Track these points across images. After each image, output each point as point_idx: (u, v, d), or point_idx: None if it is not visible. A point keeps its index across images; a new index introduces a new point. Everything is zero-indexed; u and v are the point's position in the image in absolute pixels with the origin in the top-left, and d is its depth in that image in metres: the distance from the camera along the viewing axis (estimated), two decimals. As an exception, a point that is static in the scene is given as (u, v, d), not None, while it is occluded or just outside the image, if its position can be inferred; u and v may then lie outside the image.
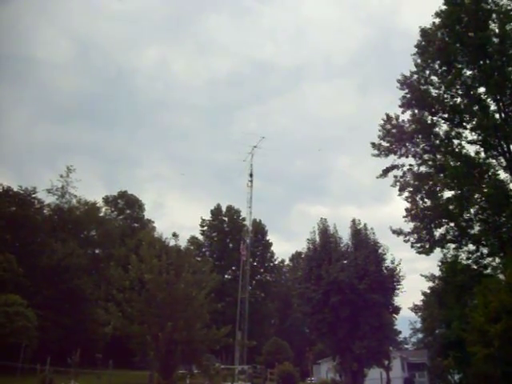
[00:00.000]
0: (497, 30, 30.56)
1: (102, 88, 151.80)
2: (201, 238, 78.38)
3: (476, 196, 30.82)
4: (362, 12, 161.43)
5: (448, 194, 32.25)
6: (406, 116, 33.35)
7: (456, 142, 32.27)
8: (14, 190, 52.36)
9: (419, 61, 32.74)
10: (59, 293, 47.09)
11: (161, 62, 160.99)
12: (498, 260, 31.09)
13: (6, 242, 47.45)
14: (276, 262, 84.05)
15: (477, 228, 31.54)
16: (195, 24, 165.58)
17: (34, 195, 54.04)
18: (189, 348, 21.45)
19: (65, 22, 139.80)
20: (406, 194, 33.21)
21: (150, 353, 21.44)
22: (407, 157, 33.38)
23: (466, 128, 31.95)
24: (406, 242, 32.50)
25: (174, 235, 32.46)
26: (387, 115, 33.59)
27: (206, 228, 78.28)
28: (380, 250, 27.13)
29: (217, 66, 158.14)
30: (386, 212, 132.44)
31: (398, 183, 33.43)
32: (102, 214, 70.60)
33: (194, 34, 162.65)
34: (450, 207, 31.52)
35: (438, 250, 32.42)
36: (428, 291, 53.96)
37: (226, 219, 78.47)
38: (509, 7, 30.11)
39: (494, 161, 31.14)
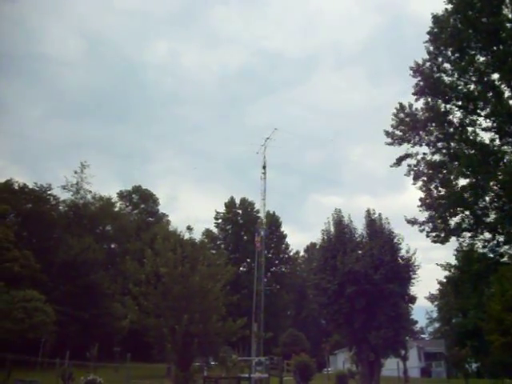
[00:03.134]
0: (510, 15, 30.18)
1: (114, 83, 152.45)
2: (215, 230, 78.80)
3: (491, 184, 30.56)
4: None
5: (463, 182, 32.02)
6: (419, 104, 33.10)
7: (470, 129, 32.00)
8: (29, 187, 53.12)
9: (431, 48, 32.41)
10: (76, 288, 47.63)
11: (171, 56, 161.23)
12: (514, 248, 30.90)
13: (22, 239, 48.11)
14: (291, 254, 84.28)
15: (492, 216, 31.30)
16: (203, 16, 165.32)
17: (49, 192, 54.81)
18: (205, 340, 21.54)
19: (74, 18, 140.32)
20: (421, 182, 33.04)
21: (166, 345, 21.56)
22: (421, 145, 33.15)
23: (480, 115, 31.65)
24: (421, 231, 32.38)
25: (189, 228, 32.64)
26: (400, 104, 33.39)
27: (220, 221, 78.64)
28: (395, 240, 26.97)
29: (227, 58, 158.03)
30: (400, 201, 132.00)
31: (411, 172, 33.24)
32: (116, 209, 71.26)
33: (203, 27, 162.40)
34: (465, 195, 31.29)
35: (453, 238, 32.25)
36: (444, 280, 53.71)
37: (240, 211, 78.68)
38: (522, -8, 29.74)
39: (509, 148, 30.86)
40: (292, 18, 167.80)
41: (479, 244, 31.94)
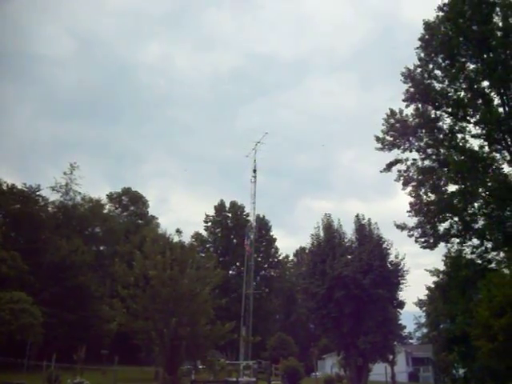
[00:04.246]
0: (500, 24, 30.41)
1: (105, 84, 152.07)
2: (205, 233, 78.67)
3: (480, 190, 30.76)
4: (364, 4, 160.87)
5: (452, 188, 32.21)
6: (410, 110, 33.30)
7: (460, 136, 32.17)
8: (18, 187, 52.70)
9: (422, 54, 32.62)
10: (64, 290, 47.34)
11: (163, 57, 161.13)
12: (502, 254, 31.06)
13: (10, 240, 47.72)
14: (280, 258, 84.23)
15: (481, 222, 31.48)
16: (196, 18, 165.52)
17: (38, 193, 54.40)
18: (193, 343, 21.49)
19: (66, 18, 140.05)
20: (410, 188, 33.19)
21: (155, 348, 21.51)
22: (411, 151, 33.33)
23: (469, 122, 31.86)
24: (410, 236, 32.50)
25: (178, 231, 32.57)
26: (391, 110, 33.52)
27: (209, 224, 78.53)
28: (384, 245, 27.09)
29: (219, 60, 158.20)
30: (390, 206, 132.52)
31: (401, 178, 33.38)
32: (106, 211, 70.95)
33: (196, 29, 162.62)
34: (454, 201, 31.45)
35: (442, 244, 32.41)
36: (432, 286, 53.93)
37: (230, 215, 78.62)
38: (513, 0, 30.00)
39: (497, 155, 31.07)
40: (285, 21, 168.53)
41: (467, 250, 32.12)
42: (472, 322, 26.68)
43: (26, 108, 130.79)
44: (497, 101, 31.04)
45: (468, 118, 31.86)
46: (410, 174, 33.32)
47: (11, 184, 52.42)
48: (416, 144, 33.22)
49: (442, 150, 32.88)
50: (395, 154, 33.45)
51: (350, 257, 26.53)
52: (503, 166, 30.65)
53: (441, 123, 32.80)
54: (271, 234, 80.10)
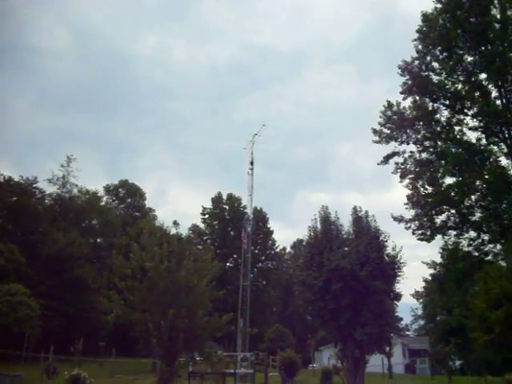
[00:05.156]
0: (498, 16, 30.39)
1: (102, 76, 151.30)
2: (202, 226, 78.65)
3: (477, 183, 30.84)
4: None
5: (449, 180, 32.31)
6: (407, 103, 33.32)
7: (457, 128, 32.27)
8: (15, 179, 52.63)
9: (420, 47, 32.59)
10: (61, 282, 47.34)
11: (160, 49, 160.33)
12: (498, 247, 31.19)
13: (7, 232, 47.61)
14: (277, 250, 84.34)
15: (478, 215, 31.62)
16: (194, 9, 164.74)
17: (35, 185, 54.34)
18: (191, 335, 21.46)
19: (63, 10, 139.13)
20: (407, 180, 33.27)
21: (152, 340, 21.48)
22: (408, 143, 33.42)
23: (467, 114, 31.91)
24: (407, 229, 32.61)
25: (175, 223, 32.50)
26: (388, 102, 33.53)
27: (207, 216, 78.46)
28: (381, 237, 27.06)
29: (216, 52, 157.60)
30: (388, 198, 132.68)
31: (399, 170, 33.46)
32: (103, 203, 70.83)
33: (193, 20, 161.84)
34: (451, 194, 31.53)
35: (439, 236, 32.52)
36: (429, 278, 54.17)
37: (227, 207, 78.61)
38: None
39: (495, 147, 31.13)
40: (282, 13, 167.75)
41: (464, 242, 32.27)
42: (468, 314, 26.89)
43: (23, 100, 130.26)
44: (494, 93, 31.14)
45: (465, 110, 31.90)
46: (408, 167, 33.39)
47: (8, 176, 52.38)
48: (413, 136, 33.28)
49: (439, 143, 32.94)
50: (392, 146, 33.56)
51: (347, 249, 26.46)
52: (500, 158, 30.77)
53: (438, 116, 32.88)
54: (268, 226, 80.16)
